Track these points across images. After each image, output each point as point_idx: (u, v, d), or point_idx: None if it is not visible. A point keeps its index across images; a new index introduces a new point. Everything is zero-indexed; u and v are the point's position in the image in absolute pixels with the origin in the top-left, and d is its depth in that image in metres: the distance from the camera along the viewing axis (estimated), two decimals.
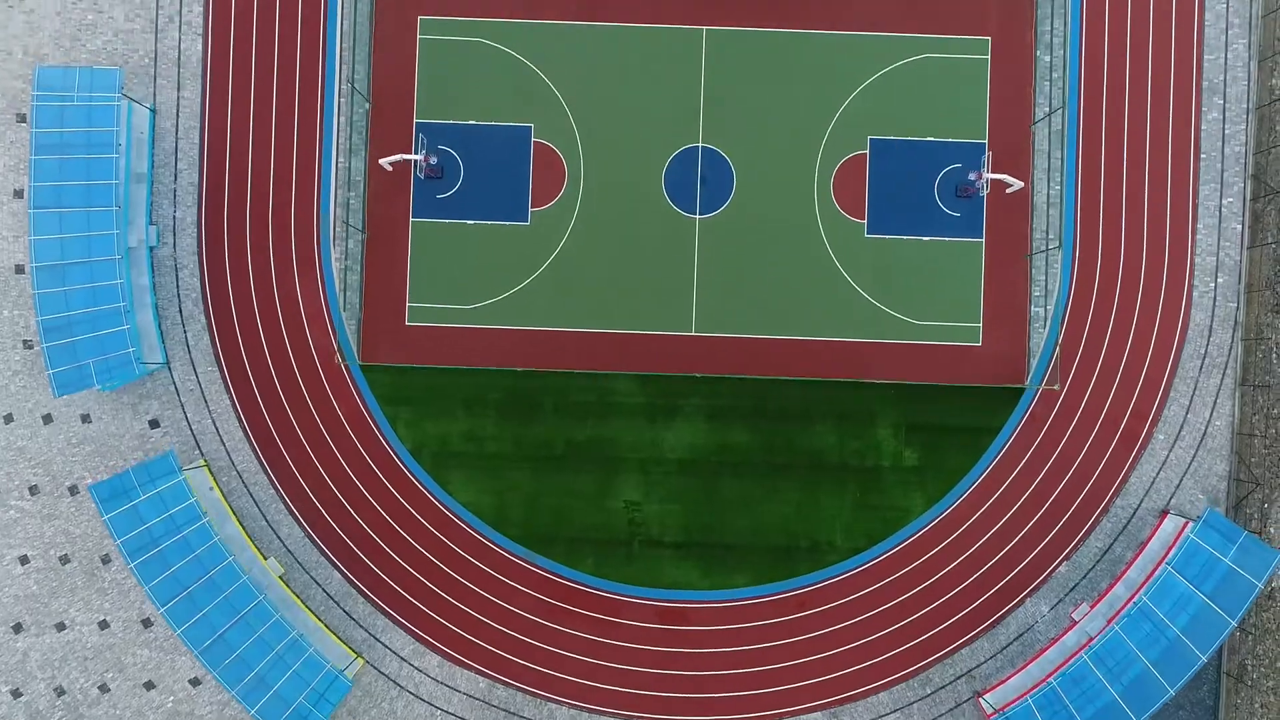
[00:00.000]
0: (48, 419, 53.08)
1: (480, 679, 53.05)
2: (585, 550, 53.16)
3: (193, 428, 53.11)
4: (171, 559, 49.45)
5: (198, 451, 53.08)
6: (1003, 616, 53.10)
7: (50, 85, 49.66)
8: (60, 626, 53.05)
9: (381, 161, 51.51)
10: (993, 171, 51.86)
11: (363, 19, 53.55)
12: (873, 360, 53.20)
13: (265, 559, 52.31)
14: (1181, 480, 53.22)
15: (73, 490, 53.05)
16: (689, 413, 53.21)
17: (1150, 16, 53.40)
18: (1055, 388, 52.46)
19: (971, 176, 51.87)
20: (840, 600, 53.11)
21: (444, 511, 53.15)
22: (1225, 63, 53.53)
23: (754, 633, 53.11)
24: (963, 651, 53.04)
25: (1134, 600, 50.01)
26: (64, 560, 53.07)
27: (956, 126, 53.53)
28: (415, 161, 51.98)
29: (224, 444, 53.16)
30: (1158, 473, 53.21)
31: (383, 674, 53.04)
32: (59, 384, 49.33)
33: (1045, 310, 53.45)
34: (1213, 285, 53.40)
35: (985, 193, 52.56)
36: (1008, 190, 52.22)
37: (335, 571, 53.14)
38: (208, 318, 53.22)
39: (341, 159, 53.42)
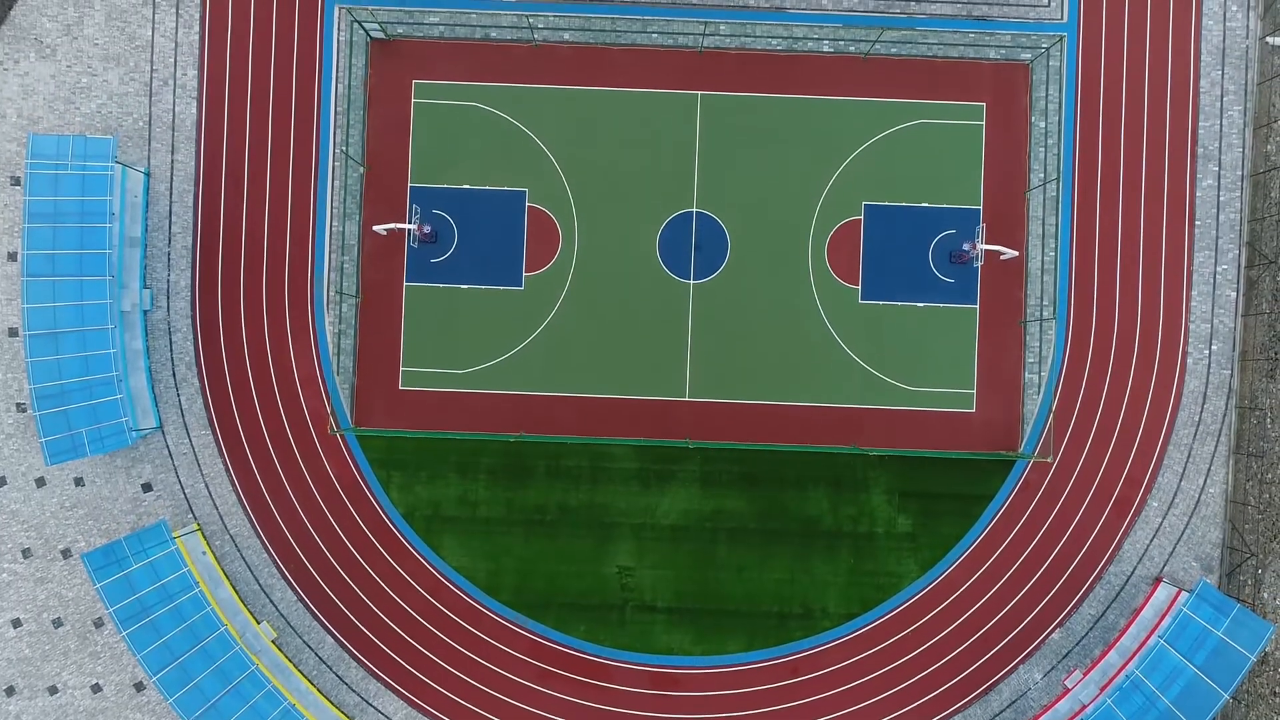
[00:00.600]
0: (40, 482, 53.06)
1: None
2: (578, 615, 53.12)
3: (186, 491, 53.09)
4: (164, 627, 49.45)
5: (191, 515, 53.05)
6: (996, 683, 53.07)
7: (44, 153, 49.66)
8: (53, 690, 53.04)
9: (376, 228, 51.49)
10: (987, 242, 51.82)
11: (357, 83, 53.52)
12: (866, 426, 53.15)
13: (258, 623, 52.31)
14: (1175, 547, 53.18)
15: (65, 553, 53.03)
16: (682, 478, 53.18)
17: (1146, 83, 53.36)
18: (1048, 460, 52.40)
19: (966, 247, 51.85)
20: (834, 666, 53.07)
21: (436, 576, 53.12)
22: (1220, 129, 53.50)
23: (747, 698, 53.07)
24: (956, 718, 52.98)
25: (1126, 671, 49.99)
26: (57, 624, 53.05)
27: (951, 192, 53.49)
28: (409, 230, 51.94)
29: (217, 508, 53.13)
30: (1151, 540, 53.18)
31: None
32: (51, 452, 49.36)
33: (1040, 377, 53.42)
34: (1207, 352, 53.36)
35: (980, 264, 52.53)
36: (1002, 258, 52.19)
37: (328, 635, 53.09)
38: (201, 381, 53.19)
39: (336, 223, 53.40)
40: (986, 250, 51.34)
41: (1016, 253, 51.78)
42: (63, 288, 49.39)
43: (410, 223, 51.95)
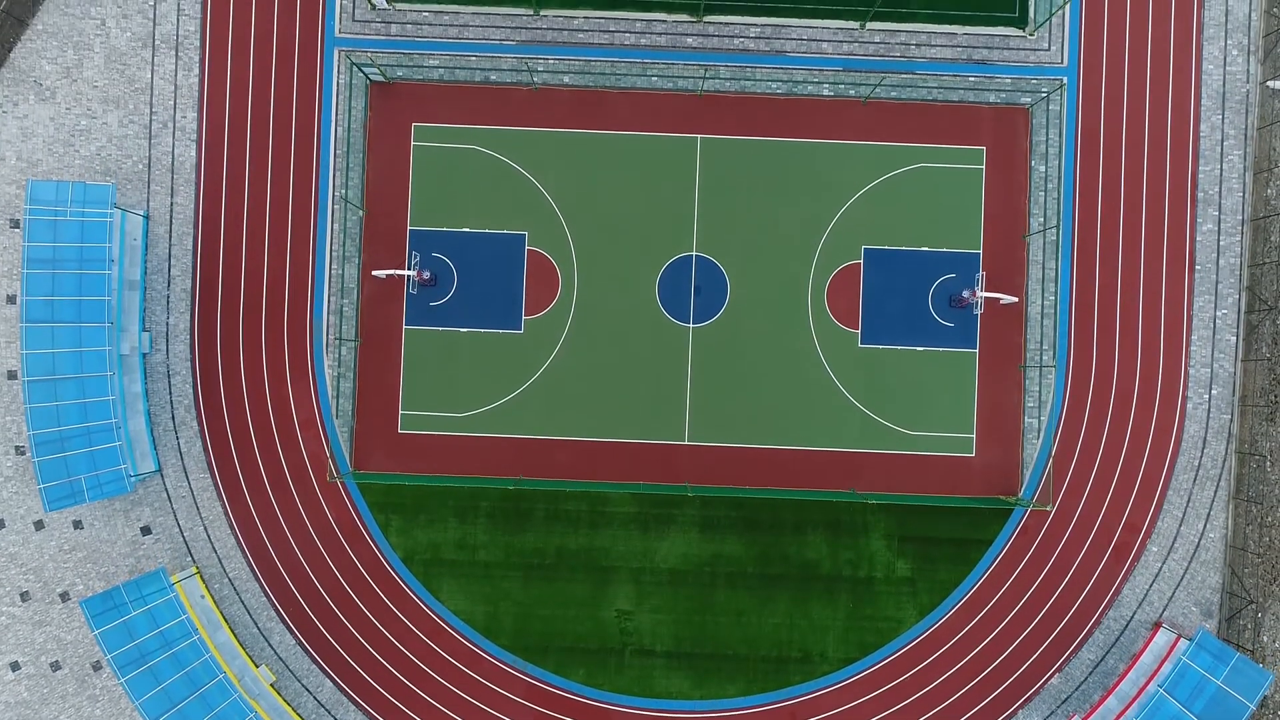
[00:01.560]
0: (39, 525, 53.03)
1: None
2: (576, 659, 53.08)
3: (185, 535, 53.06)
4: (163, 674, 49.39)
5: (190, 559, 53.02)
6: None
7: (43, 199, 49.63)
8: None
9: (375, 273, 51.46)
10: (986, 289, 51.78)
11: (357, 126, 53.48)
12: (866, 471, 53.11)
13: (257, 666, 52.26)
14: (1174, 593, 53.13)
15: (64, 597, 52.99)
16: (681, 523, 53.14)
17: (1146, 127, 53.31)
18: (1048, 509, 52.34)
19: (965, 294, 51.78)
20: (832, 711, 53.01)
21: (435, 620, 53.07)
22: (1221, 174, 53.46)
23: None
24: None
25: (1125, 717, 49.91)
26: (55, 667, 53.02)
27: (951, 236, 53.44)
28: (409, 276, 51.90)
29: (216, 551, 53.09)
30: (1151, 585, 53.12)
31: None
32: (50, 499, 49.32)
33: (1039, 421, 53.37)
34: (1207, 397, 53.30)
35: (980, 311, 52.49)
36: (1001, 303, 52.16)
37: (326, 679, 53.04)
38: (200, 424, 53.15)
39: (335, 266, 53.36)
40: (986, 297, 51.28)
41: (1016, 299, 51.74)
42: (61, 333, 49.35)
43: (410, 269, 51.88)
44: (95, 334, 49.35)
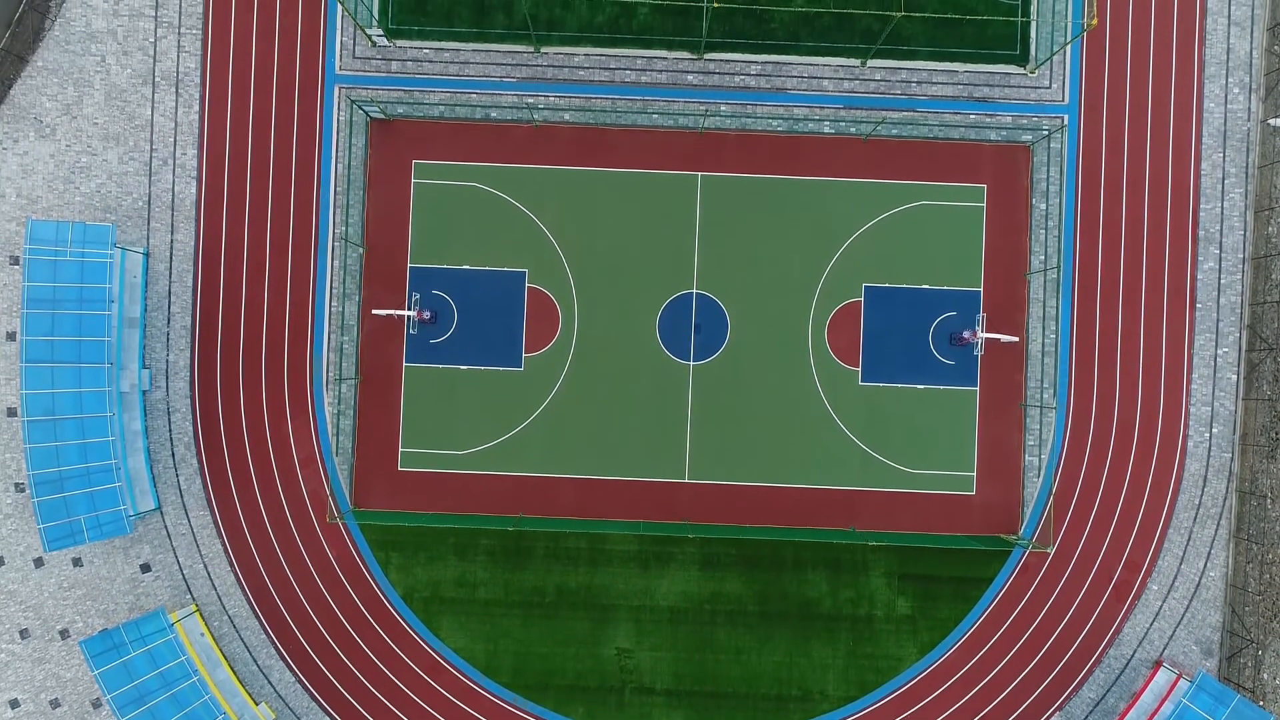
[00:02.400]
0: (39, 563, 52.99)
1: None
2: (576, 697, 53.03)
3: (184, 572, 53.02)
4: (163, 714, 49.36)
5: (189, 596, 52.98)
6: None
7: (42, 239, 49.60)
8: None
9: (375, 312, 51.43)
10: (987, 330, 51.72)
11: (357, 163, 53.44)
12: (866, 508, 53.08)
13: (256, 704, 52.21)
14: (1175, 631, 53.08)
15: (63, 634, 52.95)
16: (681, 560, 53.09)
17: (1147, 165, 53.26)
18: (1047, 549, 52.27)
19: (966, 334, 51.74)
20: None
21: (435, 657, 53.03)
22: (1222, 212, 53.41)
23: None
24: None
25: None
26: (54, 704, 52.98)
27: (951, 274, 53.39)
28: (409, 317, 51.86)
29: (215, 588, 53.05)
30: (1151, 623, 53.07)
31: None
32: (50, 539, 49.28)
33: (1040, 459, 53.32)
34: (1207, 435, 53.25)
35: (980, 353, 52.45)
36: (1001, 342, 52.10)
37: (326, 717, 52.99)
38: (200, 462, 53.11)
39: (335, 303, 53.31)
40: (987, 338, 51.23)
41: (1016, 338, 51.71)
42: (61, 374, 49.30)
43: (410, 309, 51.83)
44: (95, 374, 49.29)
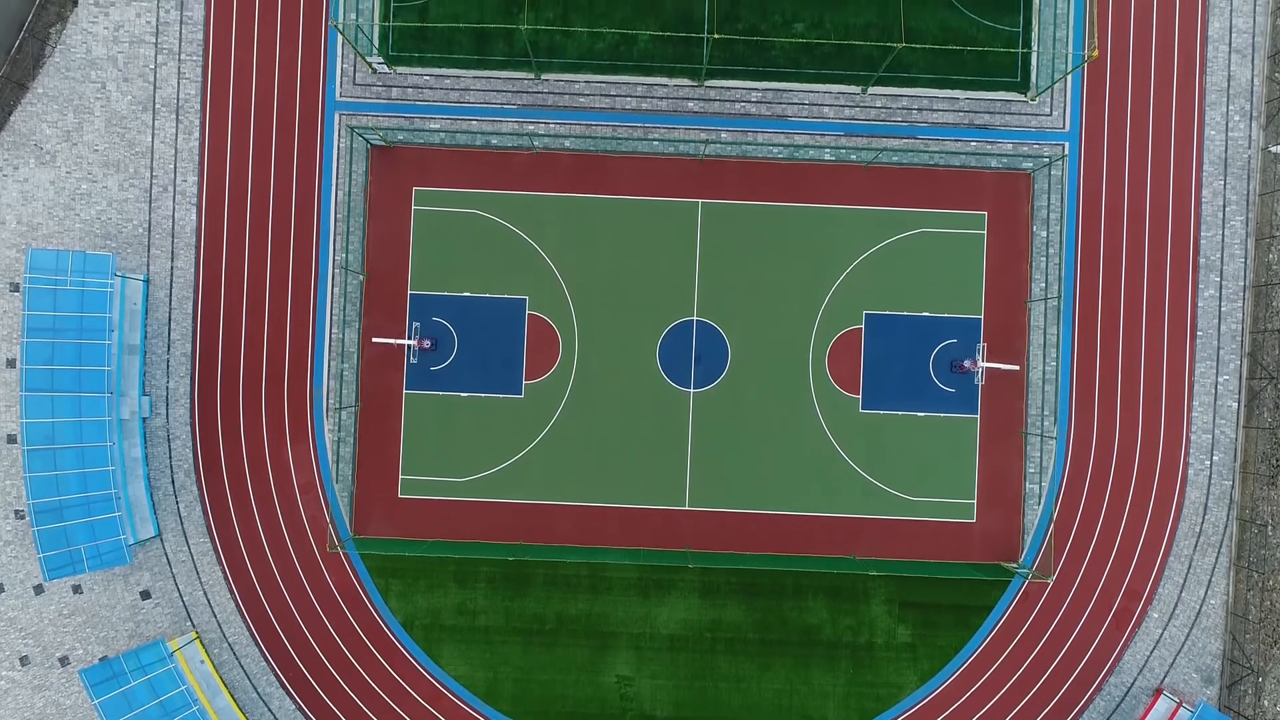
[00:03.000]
0: (39, 590, 52.96)
1: None
2: None
3: (184, 599, 52.98)
4: None
5: (189, 623, 52.93)
6: None
7: (42, 268, 49.55)
8: None
9: (376, 340, 51.41)
10: (987, 359, 51.67)
11: (357, 190, 53.41)
12: (866, 536, 53.05)
13: None
14: (1175, 659, 53.06)
15: (63, 661, 52.92)
16: (682, 588, 53.07)
17: (1148, 192, 53.24)
18: (1048, 579, 52.25)
19: (967, 364, 51.73)
20: None
21: (435, 684, 53.01)
22: (1223, 239, 53.39)
23: None
24: None
25: None
26: None
27: (952, 301, 53.37)
28: (409, 345, 51.83)
29: (215, 615, 53.01)
30: (1152, 651, 53.05)
31: None
32: (50, 567, 49.26)
33: (1040, 487, 53.30)
34: (1208, 463, 53.23)
35: (981, 383, 52.41)
36: (1002, 370, 52.07)
37: None
38: (200, 489, 53.08)
39: (335, 330, 53.29)
40: (987, 368, 51.22)
41: (1017, 367, 51.72)
42: (61, 404, 49.27)
43: (410, 338, 51.81)
44: (95, 403, 49.25)
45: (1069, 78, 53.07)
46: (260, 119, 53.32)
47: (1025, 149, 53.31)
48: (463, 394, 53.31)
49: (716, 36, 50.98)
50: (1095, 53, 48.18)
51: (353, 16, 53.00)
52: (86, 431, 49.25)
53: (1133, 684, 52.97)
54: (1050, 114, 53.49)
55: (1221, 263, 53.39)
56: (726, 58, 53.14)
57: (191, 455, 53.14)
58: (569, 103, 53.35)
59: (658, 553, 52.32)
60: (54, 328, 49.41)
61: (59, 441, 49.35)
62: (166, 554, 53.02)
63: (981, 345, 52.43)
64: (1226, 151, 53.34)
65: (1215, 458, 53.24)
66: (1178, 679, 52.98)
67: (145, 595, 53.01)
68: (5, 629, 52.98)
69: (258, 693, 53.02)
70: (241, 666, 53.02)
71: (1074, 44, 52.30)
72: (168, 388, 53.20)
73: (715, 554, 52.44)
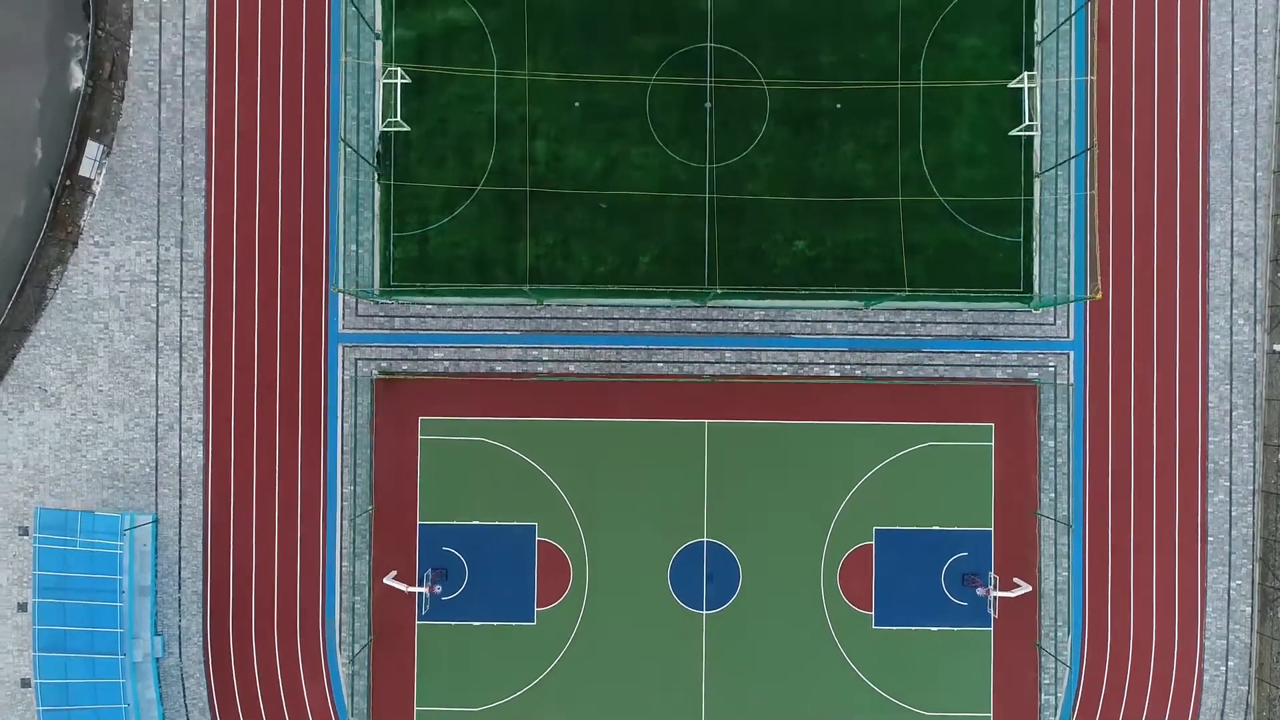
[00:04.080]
0: None
1: None
2: None
3: None
4: None
5: None
6: None
7: (51, 528, 49.58)
8: None
9: (386, 581, 51.37)
10: (1000, 589, 51.58)
11: (363, 420, 53.36)
12: None
13: None
14: None
15: None
16: None
17: (1154, 398, 53.18)
18: None
19: (980, 592, 51.68)
20: None
21: None
22: (1230, 444, 53.32)
23: None
24: None
25: None
26: None
27: (962, 514, 53.32)
28: (420, 593, 51.82)
29: None
30: None
31: None
32: None
33: (1056, 698, 53.23)
34: (1223, 669, 53.16)
35: (995, 616, 52.32)
36: (1015, 595, 51.97)
37: None
38: None
39: (345, 563, 53.24)
40: (1000, 596, 51.23)
41: (1030, 587, 51.68)
42: (74, 664, 49.31)
43: (421, 585, 51.76)
44: (109, 663, 49.23)
45: (1072, 288, 53.01)
46: (264, 354, 53.27)
47: (1030, 359, 53.25)
48: (475, 623, 53.26)
49: (720, 290, 51.10)
50: (1099, 294, 48.13)
51: (353, 248, 53.01)
52: (100, 692, 49.22)
53: None
54: (1054, 323, 53.44)
55: (1230, 467, 53.32)
56: (727, 275, 53.03)
57: (206, 694, 53.09)
58: (572, 326, 53.32)
59: None
60: (63, 587, 49.41)
61: (71, 688, 49.38)
62: None
63: (994, 575, 52.33)
64: (1232, 355, 53.29)
65: (1230, 663, 53.17)
66: None
67: None
68: None
69: None
70: None
71: (1076, 273, 52.31)
72: (180, 626, 53.14)
73: None
